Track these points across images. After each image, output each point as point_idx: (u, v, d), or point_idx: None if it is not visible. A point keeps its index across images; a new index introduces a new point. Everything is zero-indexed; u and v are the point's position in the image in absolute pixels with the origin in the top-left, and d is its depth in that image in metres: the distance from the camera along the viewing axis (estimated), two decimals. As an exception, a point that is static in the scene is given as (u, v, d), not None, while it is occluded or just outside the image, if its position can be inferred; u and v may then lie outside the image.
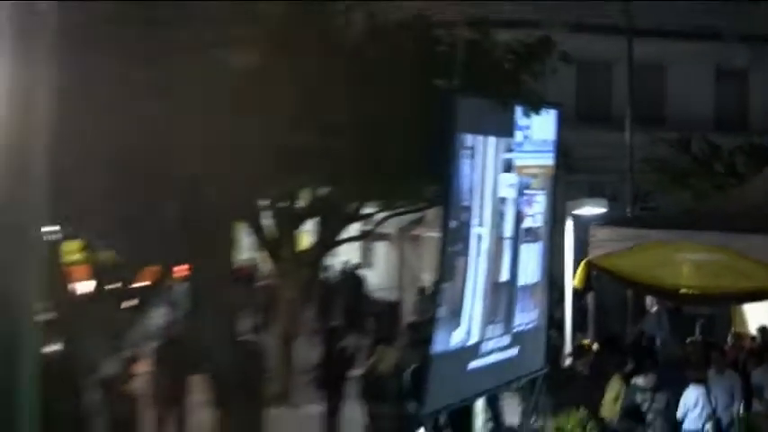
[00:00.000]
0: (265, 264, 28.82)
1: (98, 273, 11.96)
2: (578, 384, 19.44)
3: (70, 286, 10.84)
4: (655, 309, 25.83)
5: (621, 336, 25.34)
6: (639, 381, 15.82)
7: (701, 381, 16.58)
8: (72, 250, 11.26)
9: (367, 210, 26.25)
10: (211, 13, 9.12)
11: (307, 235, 27.00)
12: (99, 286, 11.56)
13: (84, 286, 11.52)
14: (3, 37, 8.65)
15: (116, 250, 10.85)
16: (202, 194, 9.25)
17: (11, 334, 8.17)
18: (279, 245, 25.68)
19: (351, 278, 38.53)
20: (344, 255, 37.41)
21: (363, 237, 31.55)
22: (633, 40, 32.84)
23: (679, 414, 15.52)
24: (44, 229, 8.47)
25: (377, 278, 40.81)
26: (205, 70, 9.53)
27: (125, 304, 11.89)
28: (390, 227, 31.84)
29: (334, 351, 23.46)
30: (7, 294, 8.30)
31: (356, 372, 22.59)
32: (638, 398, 15.54)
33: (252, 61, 9.68)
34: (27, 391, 7.73)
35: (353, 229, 28.38)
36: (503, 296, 13.14)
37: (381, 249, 41.38)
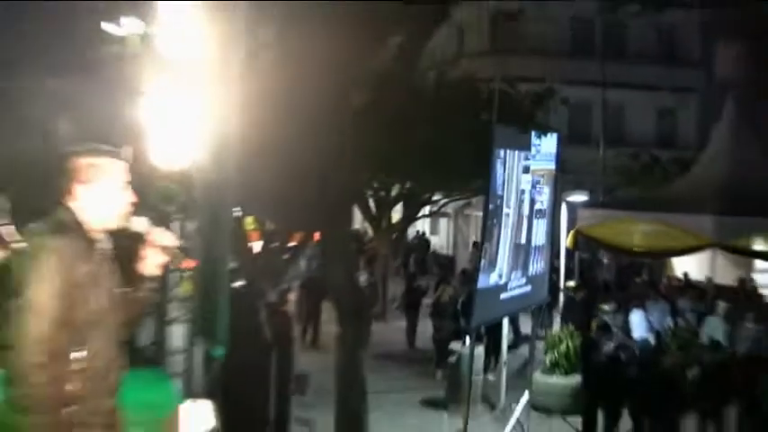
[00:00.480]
0: (369, 232, 29.12)
1: (265, 236, 12.00)
2: (568, 309, 19.70)
3: (249, 245, 10.85)
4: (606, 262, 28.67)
5: (595, 278, 25.63)
6: (605, 307, 16.04)
7: (643, 306, 17.06)
8: (249, 222, 11.30)
9: (435, 197, 26.53)
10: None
11: (396, 213, 27.22)
12: (266, 245, 11.60)
13: (257, 245, 11.56)
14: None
15: (275, 222, 10.85)
16: (334, 183, 9.19)
17: (213, 275, 8.21)
18: (378, 219, 25.96)
19: (422, 241, 39.30)
20: (419, 226, 38.14)
21: (432, 215, 32.16)
22: (605, 90, 35.76)
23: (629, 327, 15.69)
24: (233, 209, 8.53)
25: (440, 242, 41.95)
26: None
27: (283, 256, 11.92)
28: (450, 208, 32.16)
29: (412, 287, 23.61)
30: (212, 251, 8.32)
31: (427, 300, 22.71)
32: (606, 318, 15.58)
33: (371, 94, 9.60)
34: (223, 312, 7.76)
35: (426, 209, 28.55)
36: (522, 253, 13.24)
37: (443, 223, 41.96)
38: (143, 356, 11.85)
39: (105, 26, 10.97)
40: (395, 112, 10.42)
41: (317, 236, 12.52)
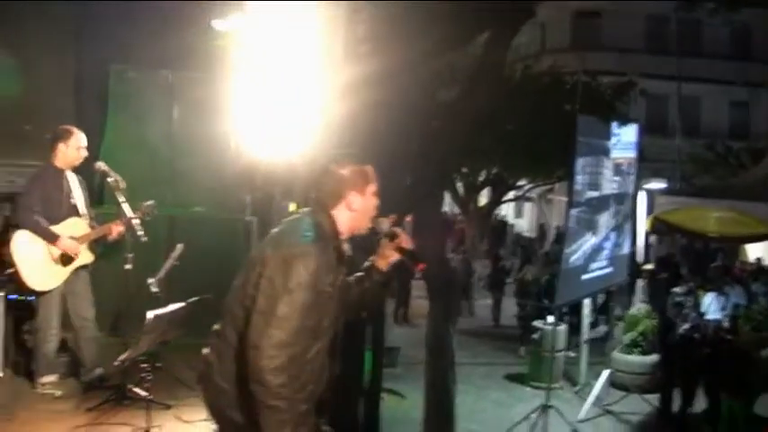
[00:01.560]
0: (458, 214, 29.07)
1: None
2: (646, 291, 19.41)
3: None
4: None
5: (672, 261, 25.25)
6: (677, 290, 15.68)
7: (719, 290, 16.54)
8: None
9: (520, 182, 26.50)
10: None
11: (482, 197, 27.26)
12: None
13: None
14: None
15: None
16: (427, 168, 9.11)
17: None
18: (467, 203, 25.96)
19: (500, 223, 39.50)
20: (504, 210, 38.15)
21: (517, 199, 32.04)
22: (681, 84, 35.50)
23: (702, 309, 15.33)
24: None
25: (524, 224, 41.93)
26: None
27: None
28: (534, 193, 32.12)
29: (498, 267, 23.47)
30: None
31: (511, 279, 22.65)
32: (680, 299, 15.28)
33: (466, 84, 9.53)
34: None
35: (511, 194, 28.51)
36: (603, 236, 13.01)
37: (527, 207, 41.91)
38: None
39: (214, 23, 11.01)
40: (484, 103, 10.27)
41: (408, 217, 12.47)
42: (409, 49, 8.71)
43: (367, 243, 9.54)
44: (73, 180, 7.96)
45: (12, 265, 7.99)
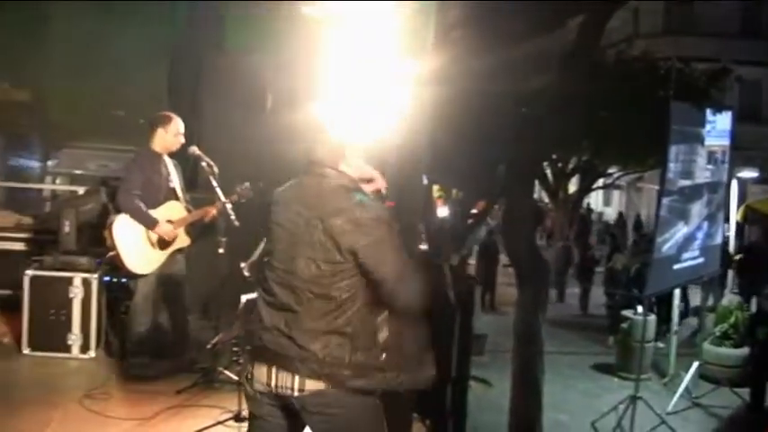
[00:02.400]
0: (547, 201, 28.84)
1: (450, 204, 11.98)
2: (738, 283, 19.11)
3: (436, 210, 10.84)
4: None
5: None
6: None
7: None
8: (436, 189, 11.26)
9: (610, 170, 26.23)
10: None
11: (572, 185, 27.06)
12: (451, 212, 11.58)
13: (442, 211, 11.53)
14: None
15: (462, 190, 10.79)
16: (518, 155, 9.07)
17: (410, 236, 8.24)
18: (555, 190, 25.81)
19: (585, 211, 39.06)
20: (593, 198, 37.80)
21: (606, 187, 31.75)
22: None
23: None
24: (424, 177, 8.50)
25: (612, 213, 41.48)
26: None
27: (467, 222, 11.86)
28: (623, 181, 31.72)
29: (587, 255, 23.29)
30: (401, 215, 8.35)
31: (599, 268, 22.46)
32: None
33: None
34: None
35: (600, 181, 28.25)
36: (695, 225, 12.80)
37: (616, 195, 41.51)
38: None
39: (305, 8, 11.07)
40: (576, 89, 10.19)
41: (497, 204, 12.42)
42: (501, 35, 8.68)
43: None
44: (170, 164, 8.09)
45: (111, 247, 8.17)
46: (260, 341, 4.25)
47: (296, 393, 4.09)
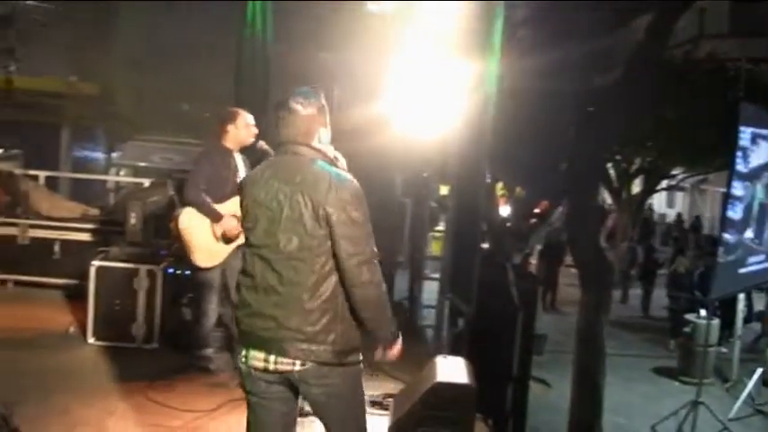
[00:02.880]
0: (610, 202, 28.55)
1: (512, 202, 11.94)
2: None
3: (498, 209, 10.81)
4: None
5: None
6: None
7: None
8: (499, 188, 11.24)
9: (674, 171, 25.99)
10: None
11: (635, 186, 26.83)
12: (514, 211, 11.55)
13: (505, 210, 11.50)
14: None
15: (526, 189, 10.76)
16: (582, 155, 9.01)
17: (465, 235, 8.22)
18: (619, 191, 25.61)
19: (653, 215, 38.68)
20: (656, 199, 37.45)
21: (670, 188, 31.38)
22: None
23: None
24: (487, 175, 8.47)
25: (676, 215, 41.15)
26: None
27: (530, 221, 11.81)
28: (687, 182, 31.34)
29: (650, 257, 23.11)
30: (464, 213, 8.33)
31: (662, 271, 22.27)
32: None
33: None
34: (473, 271, 7.80)
35: (663, 183, 27.96)
36: (763, 229, 12.61)
37: (679, 197, 41.08)
38: (400, 308, 12.11)
39: (371, 5, 11.09)
40: (642, 89, 10.10)
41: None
42: (567, 33, 8.65)
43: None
44: (239, 160, 8.13)
45: (176, 240, 8.25)
46: (248, 326, 4.35)
47: (296, 368, 4.22)
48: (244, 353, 4.37)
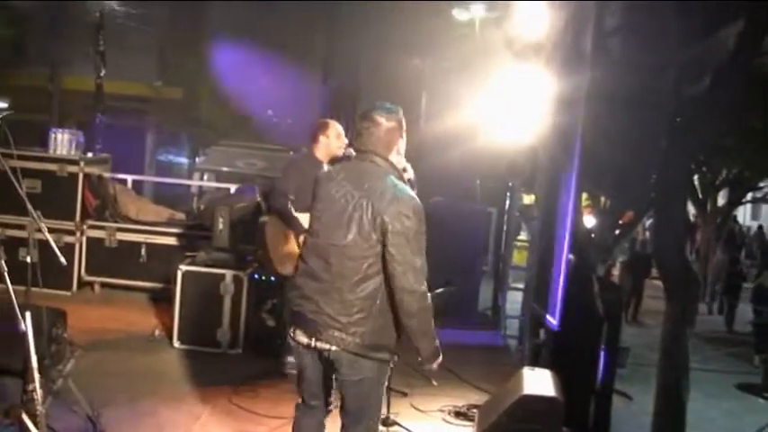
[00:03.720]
0: (694, 213, 28.10)
1: (598, 212, 11.82)
2: None
3: (583, 219, 10.71)
4: None
5: None
6: None
7: None
8: (584, 198, 11.12)
9: (761, 183, 25.53)
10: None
11: (720, 197, 26.41)
12: (600, 221, 11.43)
13: (589, 221, 11.37)
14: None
15: (612, 199, 10.64)
16: (672, 166, 8.86)
17: (550, 247, 8.15)
18: (704, 203, 25.22)
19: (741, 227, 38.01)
20: (740, 212, 36.83)
21: (755, 201, 30.82)
22: None
23: None
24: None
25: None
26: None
27: (614, 233, 11.66)
28: (772, 195, 30.91)
29: (735, 270, 22.75)
30: (550, 224, 8.25)
31: (747, 284, 21.91)
32: None
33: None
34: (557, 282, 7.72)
35: (749, 195, 27.47)
36: None
37: (765, 209, 40.40)
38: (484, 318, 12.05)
39: (455, 12, 11.06)
40: (730, 99, 9.93)
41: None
42: (658, 42, 8.52)
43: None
44: (327, 170, 8.15)
45: (261, 246, 8.30)
46: (297, 306, 4.79)
47: (332, 349, 4.63)
48: (292, 329, 4.83)
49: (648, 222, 13.08)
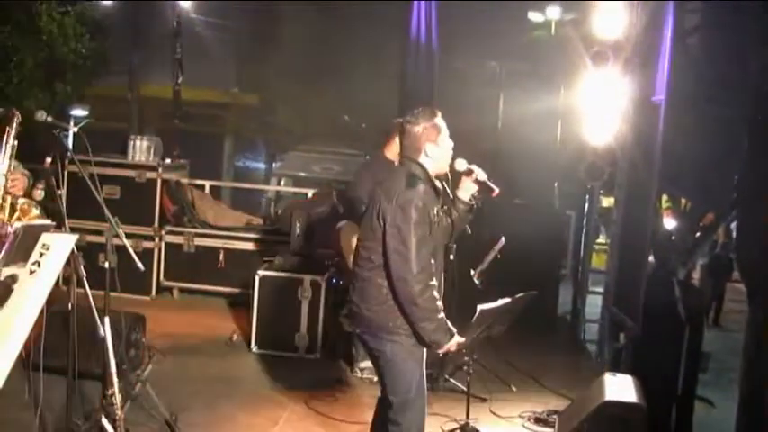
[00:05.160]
0: None
1: (678, 215, 11.58)
2: None
3: (663, 222, 10.51)
4: None
5: None
6: None
7: None
8: (665, 200, 10.92)
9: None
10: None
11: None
12: (679, 224, 11.20)
13: (670, 223, 11.14)
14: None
15: (692, 201, 10.41)
16: (752, 167, 8.65)
17: (632, 249, 7.98)
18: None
19: None
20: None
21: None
22: None
23: None
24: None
25: None
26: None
27: (695, 235, 11.41)
28: None
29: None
30: (631, 226, 8.09)
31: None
32: None
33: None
34: (639, 286, 7.56)
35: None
36: None
37: None
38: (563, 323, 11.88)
39: (531, 14, 10.93)
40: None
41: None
42: (738, 39, 8.33)
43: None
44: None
45: (338, 252, 8.27)
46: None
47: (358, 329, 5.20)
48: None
49: (731, 224, 12.77)
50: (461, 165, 5.23)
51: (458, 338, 5.04)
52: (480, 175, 5.24)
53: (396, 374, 5.08)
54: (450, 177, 5.27)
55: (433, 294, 4.90)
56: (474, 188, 5.31)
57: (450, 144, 5.18)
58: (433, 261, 5.00)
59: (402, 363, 5.05)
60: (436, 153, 5.08)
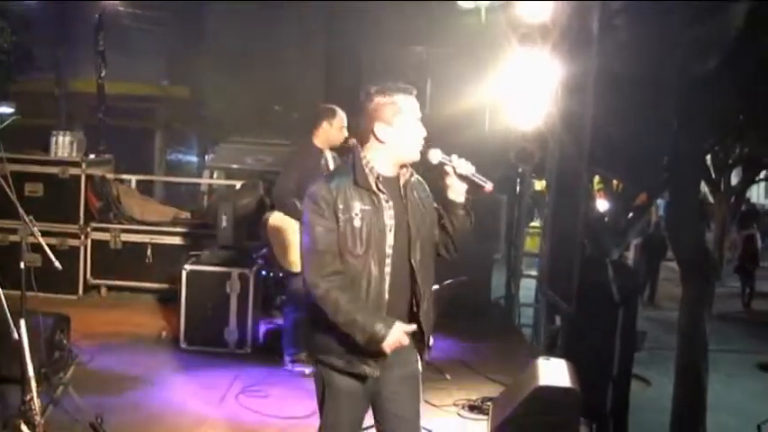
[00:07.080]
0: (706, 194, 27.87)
1: (611, 196, 11.64)
2: None
3: (596, 203, 10.53)
4: None
5: None
6: None
7: None
8: (596, 182, 10.95)
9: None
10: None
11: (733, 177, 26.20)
12: (612, 205, 11.27)
13: (602, 204, 11.18)
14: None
15: (624, 181, 10.45)
16: (681, 146, 8.67)
17: (562, 231, 7.92)
18: (717, 182, 24.99)
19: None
20: (754, 191, 36.63)
21: (770, 179, 30.75)
22: None
23: None
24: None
25: None
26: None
27: (628, 216, 11.48)
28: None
29: (750, 250, 22.62)
30: (561, 208, 8.02)
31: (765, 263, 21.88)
32: None
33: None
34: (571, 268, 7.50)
35: (762, 173, 27.25)
36: None
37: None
38: (497, 308, 11.84)
39: (460, 2, 10.86)
40: (740, 77, 9.73)
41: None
42: (665, 21, 8.33)
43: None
44: (330, 159, 7.96)
45: (266, 243, 8.13)
46: None
47: None
48: None
49: (662, 203, 12.92)
50: (436, 156, 4.26)
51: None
52: (462, 168, 4.28)
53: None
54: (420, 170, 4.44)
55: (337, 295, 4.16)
56: (463, 186, 4.37)
57: (417, 130, 4.21)
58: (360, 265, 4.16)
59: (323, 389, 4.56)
60: (391, 137, 4.14)
